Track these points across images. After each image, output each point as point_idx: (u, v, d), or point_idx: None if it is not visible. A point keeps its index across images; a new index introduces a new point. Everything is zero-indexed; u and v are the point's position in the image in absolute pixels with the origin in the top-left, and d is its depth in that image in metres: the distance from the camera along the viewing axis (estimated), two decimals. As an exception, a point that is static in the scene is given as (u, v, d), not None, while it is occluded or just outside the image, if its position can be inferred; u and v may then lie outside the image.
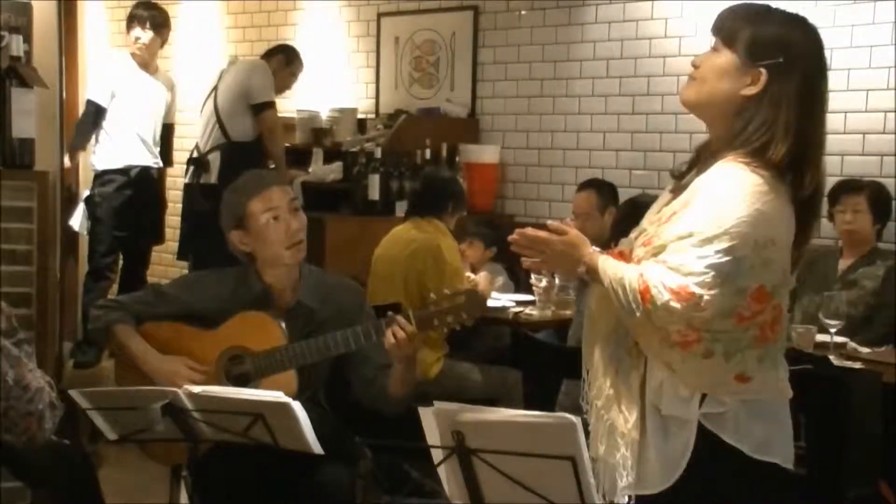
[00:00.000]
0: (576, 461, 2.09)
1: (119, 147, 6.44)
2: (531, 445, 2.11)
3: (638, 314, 2.16)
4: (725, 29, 2.30)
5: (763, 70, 2.22)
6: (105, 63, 6.68)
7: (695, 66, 2.32)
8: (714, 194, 2.17)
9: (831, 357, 3.73)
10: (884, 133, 4.94)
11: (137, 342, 3.11)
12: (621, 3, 5.87)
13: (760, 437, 2.23)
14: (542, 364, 4.48)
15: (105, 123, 6.43)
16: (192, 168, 6.25)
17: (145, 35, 6.49)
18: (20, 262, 4.02)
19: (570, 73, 6.12)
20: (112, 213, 6.41)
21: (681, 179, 2.40)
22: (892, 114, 4.90)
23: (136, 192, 6.49)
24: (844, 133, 4.94)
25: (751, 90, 2.24)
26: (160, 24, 6.59)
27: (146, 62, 6.59)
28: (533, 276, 4.77)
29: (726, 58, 2.27)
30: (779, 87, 2.22)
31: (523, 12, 6.30)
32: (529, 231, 2.33)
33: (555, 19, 6.17)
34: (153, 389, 2.76)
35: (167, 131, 6.83)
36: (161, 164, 6.73)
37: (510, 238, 2.35)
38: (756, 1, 2.36)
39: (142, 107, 6.55)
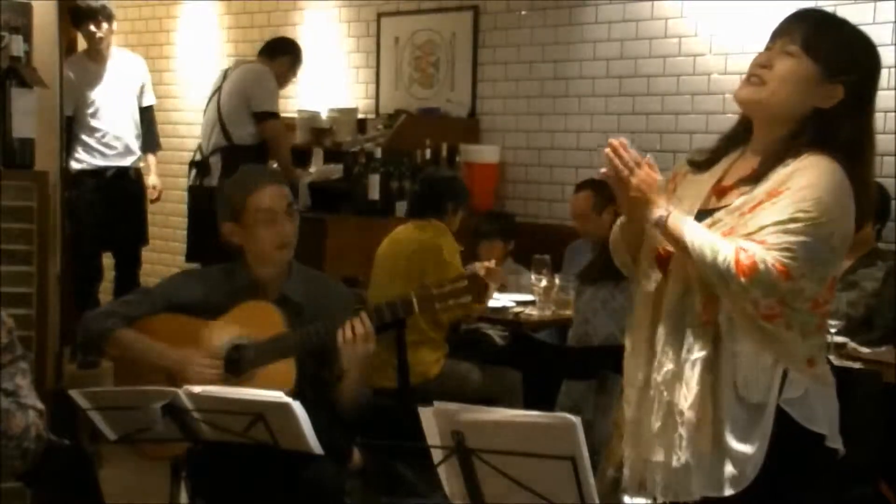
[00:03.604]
0: (576, 461, 2.09)
1: (91, 150, 6.30)
2: (531, 445, 2.11)
3: (732, 286, 2.16)
4: (808, 36, 2.27)
5: (841, 87, 2.25)
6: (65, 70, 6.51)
7: (763, 65, 2.29)
8: (816, 185, 2.19)
9: (831, 357, 3.72)
10: (884, 133, 4.94)
11: (142, 340, 3.11)
12: (621, 3, 5.87)
13: (831, 424, 2.29)
14: (542, 364, 4.48)
15: (76, 128, 6.26)
16: (194, 171, 6.23)
17: (102, 29, 6.28)
18: (20, 262, 4.01)
19: (570, 73, 6.12)
20: (87, 215, 6.26)
21: (701, 169, 2.42)
22: (892, 114, 4.90)
23: (111, 193, 6.34)
24: (844, 133, 4.94)
25: (827, 103, 2.26)
26: (111, 13, 6.37)
27: (103, 56, 6.38)
28: (533, 276, 4.77)
29: (808, 67, 2.27)
30: (858, 100, 2.27)
31: (523, 12, 6.30)
32: (628, 154, 2.25)
33: (555, 19, 6.17)
34: (153, 389, 2.76)
35: (147, 114, 6.64)
36: (139, 165, 6.55)
37: (611, 141, 2.26)
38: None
39: (110, 104, 6.38)
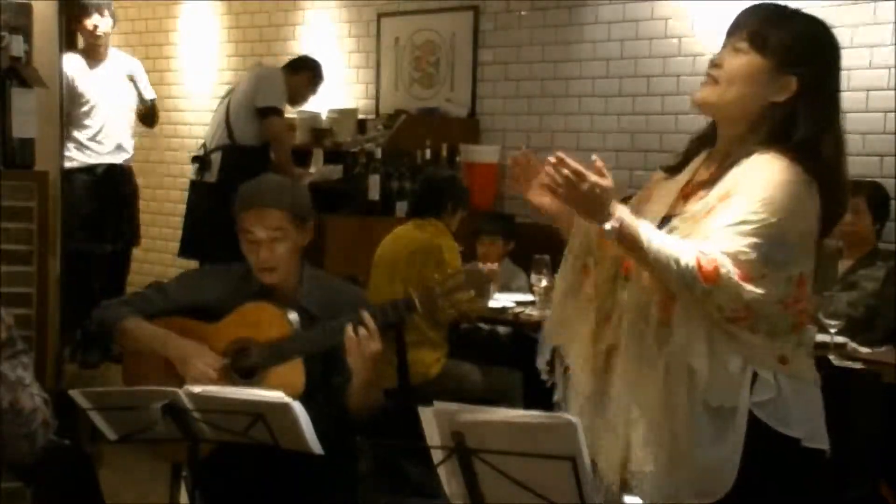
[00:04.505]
0: (576, 461, 2.08)
1: (83, 147, 6.16)
2: (531, 445, 2.10)
3: (696, 292, 2.11)
4: (754, 31, 2.24)
5: (793, 79, 2.21)
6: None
7: (717, 65, 2.26)
8: (764, 185, 2.15)
9: (831, 357, 3.73)
10: (884, 133, 4.94)
11: (153, 329, 3.08)
12: (621, 3, 5.87)
13: (810, 425, 2.23)
14: (542, 364, 4.48)
15: (68, 126, 5.96)
16: (196, 165, 6.25)
17: (104, 22, 6.16)
18: (20, 262, 4.01)
19: (570, 73, 6.12)
20: (79, 212, 6.06)
21: (673, 172, 2.39)
22: (892, 114, 4.90)
23: (102, 190, 6.21)
24: (844, 133, 4.93)
25: (780, 97, 2.22)
26: (114, 13, 6.28)
27: (100, 55, 6.25)
28: (533, 276, 4.76)
29: (756, 62, 2.23)
30: (813, 92, 2.22)
31: (523, 12, 6.30)
32: (571, 163, 2.14)
33: (555, 19, 6.17)
34: (153, 389, 2.75)
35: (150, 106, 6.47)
36: (131, 163, 6.43)
37: (550, 159, 2.17)
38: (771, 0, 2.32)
39: (103, 103, 6.25)
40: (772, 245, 2.12)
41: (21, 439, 2.71)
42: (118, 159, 6.33)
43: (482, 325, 5.15)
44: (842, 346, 3.89)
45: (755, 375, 2.19)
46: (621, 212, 2.16)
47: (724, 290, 2.10)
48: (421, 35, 6.82)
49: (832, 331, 3.81)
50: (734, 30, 2.28)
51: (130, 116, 6.42)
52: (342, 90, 7.21)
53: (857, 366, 3.71)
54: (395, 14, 6.95)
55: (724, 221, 2.14)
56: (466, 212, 4.97)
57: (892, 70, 4.89)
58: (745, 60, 2.24)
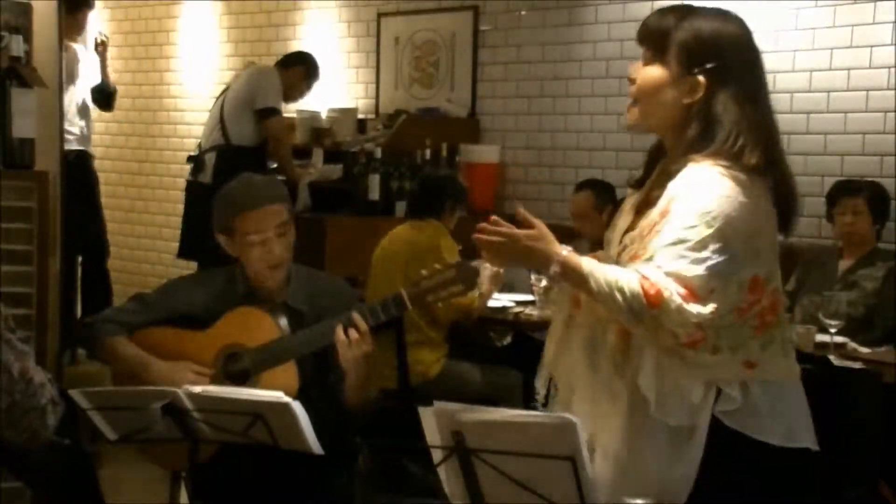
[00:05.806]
0: (576, 461, 2.08)
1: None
2: (531, 445, 2.11)
3: (645, 320, 2.09)
4: (652, 39, 2.21)
5: (701, 77, 2.16)
6: None
7: (630, 81, 2.24)
8: (695, 197, 2.11)
9: (831, 357, 3.72)
10: (884, 133, 4.94)
11: (135, 351, 3.06)
12: (621, 3, 5.87)
13: (788, 424, 2.19)
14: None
15: None
16: (191, 166, 6.27)
17: (88, 16, 6.27)
18: (20, 262, 4.02)
19: (570, 73, 6.12)
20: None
21: (638, 187, 2.36)
22: (892, 114, 4.90)
23: (72, 178, 5.93)
24: (844, 133, 4.94)
25: (690, 98, 2.17)
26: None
27: (69, 44, 6.17)
28: (533, 276, 4.76)
29: (658, 70, 2.19)
30: (726, 89, 2.15)
31: (523, 12, 6.30)
32: (502, 229, 2.18)
33: (555, 19, 6.17)
34: (153, 389, 2.76)
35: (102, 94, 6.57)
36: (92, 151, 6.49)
37: (478, 228, 2.20)
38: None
39: (70, 90, 6.20)
40: (714, 256, 2.08)
41: (32, 412, 2.66)
42: (85, 145, 6.33)
43: (492, 334, 5.14)
44: (842, 346, 3.90)
45: (720, 388, 2.16)
46: (562, 254, 2.18)
47: (668, 314, 2.07)
48: (421, 35, 6.82)
49: (832, 331, 3.81)
50: (639, 40, 2.25)
51: (89, 103, 6.44)
52: (342, 90, 7.21)
53: (857, 366, 3.71)
54: (395, 14, 6.96)
55: (663, 241, 2.12)
56: (465, 211, 4.97)
57: (892, 70, 4.88)
58: (650, 71, 2.21)
